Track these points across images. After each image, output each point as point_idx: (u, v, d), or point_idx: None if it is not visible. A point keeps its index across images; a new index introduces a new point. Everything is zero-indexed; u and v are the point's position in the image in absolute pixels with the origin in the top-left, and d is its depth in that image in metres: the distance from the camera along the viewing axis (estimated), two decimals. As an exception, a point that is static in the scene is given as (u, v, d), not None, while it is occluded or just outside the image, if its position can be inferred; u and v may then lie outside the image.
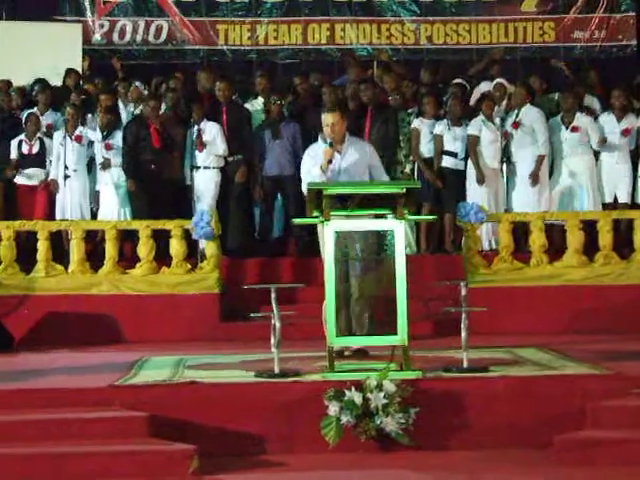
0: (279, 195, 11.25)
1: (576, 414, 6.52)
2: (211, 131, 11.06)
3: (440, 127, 11.05)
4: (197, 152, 11.04)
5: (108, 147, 11.04)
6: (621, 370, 6.97)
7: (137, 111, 11.72)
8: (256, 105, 11.79)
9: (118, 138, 11.06)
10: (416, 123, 11.22)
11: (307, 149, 8.18)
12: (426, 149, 11.16)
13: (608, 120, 11.07)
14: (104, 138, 11.12)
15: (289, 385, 6.75)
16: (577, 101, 11.13)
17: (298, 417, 6.61)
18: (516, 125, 10.97)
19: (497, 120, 11.07)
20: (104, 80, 12.50)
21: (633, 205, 11.02)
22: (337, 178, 7.65)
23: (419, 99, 11.51)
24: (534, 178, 10.84)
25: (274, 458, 6.47)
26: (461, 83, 12.13)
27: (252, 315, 7.60)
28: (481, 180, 10.80)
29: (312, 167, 7.74)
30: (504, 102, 11.50)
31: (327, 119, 7.88)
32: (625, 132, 10.99)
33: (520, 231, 10.49)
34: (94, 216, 11.15)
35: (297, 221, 7.87)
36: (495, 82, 11.83)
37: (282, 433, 6.62)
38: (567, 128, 10.96)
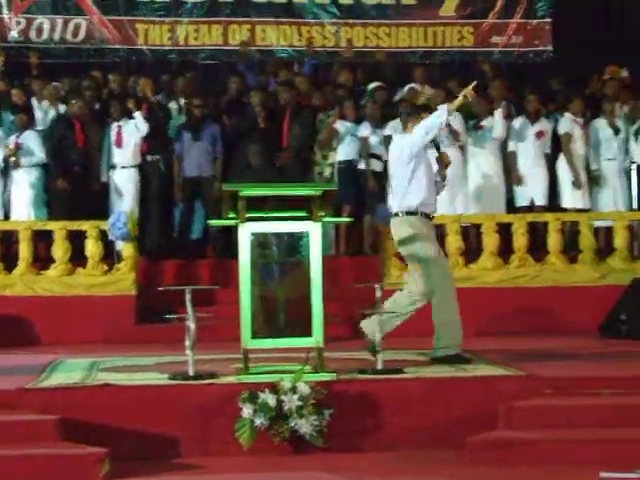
0: (198, 196, 11.19)
1: (489, 415, 6.57)
2: (130, 130, 10.98)
3: (366, 130, 11.08)
4: (115, 151, 10.96)
5: (17, 147, 10.85)
6: (534, 371, 7.05)
7: (60, 110, 11.57)
8: (177, 105, 11.73)
9: (30, 137, 10.89)
10: (337, 125, 11.24)
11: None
12: (346, 151, 11.17)
13: (522, 123, 11.20)
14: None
15: (204, 387, 6.71)
16: (490, 105, 11.27)
17: (213, 420, 6.58)
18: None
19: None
20: (18, 77, 12.32)
21: (550, 208, 11.16)
22: None
23: (339, 101, 11.54)
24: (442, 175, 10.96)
25: (188, 461, 6.43)
26: (382, 86, 12.18)
27: (167, 317, 7.53)
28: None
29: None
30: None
31: None
32: (539, 134, 11.14)
33: (437, 233, 10.55)
34: (6, 217, 10.98)
35: (213, 223, 7.85)
36: (408, 87, 11.93)
37: (197, 436, 6.58)
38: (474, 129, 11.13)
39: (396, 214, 7.69)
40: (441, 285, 7.62)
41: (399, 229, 7.69)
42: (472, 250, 10.44)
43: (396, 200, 7.71)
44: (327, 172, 11.25)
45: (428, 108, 7.99)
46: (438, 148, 7.89)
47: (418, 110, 7.85)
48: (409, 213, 7.61)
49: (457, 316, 7.62)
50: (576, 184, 11.08)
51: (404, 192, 7.59)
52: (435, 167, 7.85)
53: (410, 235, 7.60)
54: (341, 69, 12.59)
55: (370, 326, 7.46)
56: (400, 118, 8.31)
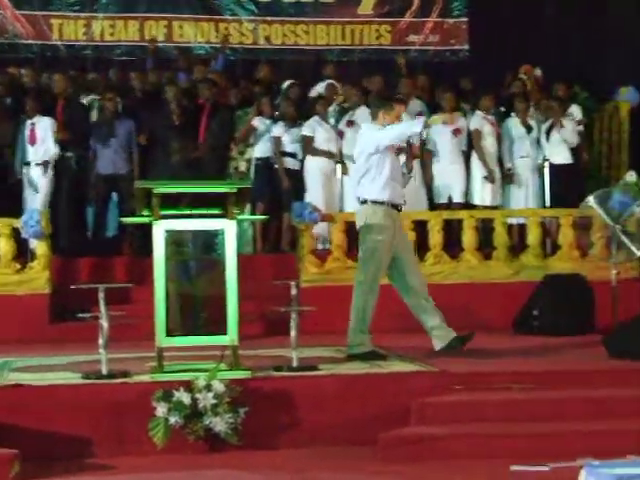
0: (114, 193, 11.09)
1: (402, 411, 6.64)
2: (45, 126, 10.83)
3: (279, 129, 11.09)
4: (29, 148, 10.81)
5: None
6: (446, 367, 7.14)
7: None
8: (91, 101, 11.61)
9: None
10: (255, 122, 11.24)
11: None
12: (263, 148, 11.17)
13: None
14: None
15: (117, 386, 6.66)
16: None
17: (126, 419, 6.53)
18: (350, 124, 11.12)
19: (331, 120, 11.20)
20: None
21: (466, 205, 11.28)
22: None
23: (257, 98, 11.53)
24: None
25: (102, 461, 6.38)
26: (296, 83, 12.20)
27: (80, 315, 7.45)
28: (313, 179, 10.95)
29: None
30: (335, 102, 11.69)
31: (402, 111, 7.96)
32: (456, 132, 11.26)
33: (354, 231, 10.59)
34: None
35: (126, 220, 7.78)
36: (326, 83, 11.98)
37: (110, 435, 6.53)
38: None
39: (364, 202, 7.75)
40: (369, 282, 7.66)
41: (361, 216, 7.80)
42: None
43: (362, 189, 7.75)
44: (243, 167, 11.25)
45: (400, 99, 8.07)
46: (408, 141, 8.00)
47: (390, 101, 7.88)
48: (376, 202, 7.69)
49: (369, 316, 7.71)
50: (489, 179, 11.23)
51: (369, 182, 7.66)
52: (403, 158, 7.91)
53: (367, 224, 7.71)
54: (260, 66, 12.60)
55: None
56: (370, 108, 8.32)
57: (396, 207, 7.76)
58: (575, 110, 12.02)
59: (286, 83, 12.09)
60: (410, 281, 7.85)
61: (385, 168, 7.63)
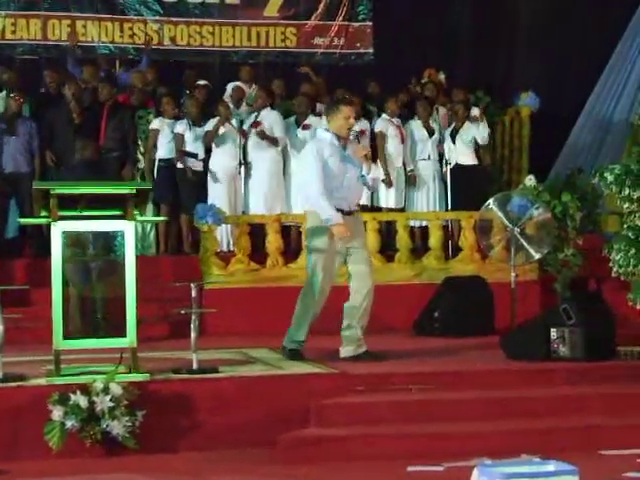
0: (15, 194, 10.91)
1: (302, 413, 6.66)
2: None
3: (181, 127, 11.04)
4: None
5: None
6: (346, 369, 7.18)
7: None
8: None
9: None
10: (156, 123, 11.18)
11: (312, 146, 7.77)
12: (166, 149, 11.10)
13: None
14: None
15: (12, 390, 6.55)
16: (310, 104, 11.42)
17: (22, 423, 6.43)
18: (255, 125, 11.13)
19: (234, 121, 11.19)
20: None
21: (372, 208, 11.33)
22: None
23: (158, 99, 11.47)
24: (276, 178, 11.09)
25: (-5, 466, 6.28)
26: (205, 84, 12.15)
27: (-25, 318, 7.30)
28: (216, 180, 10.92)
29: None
30: (243, 103, 11.69)
31: (349, 112, 7.69)
32: (361, 133, 11.33)
33: (260, 233, 10.60)
34: None
35: (23, 221, 7.72)
36: (233, 85, 11.98)
37: (5, 440, 6.42)
38: (299, 127, 11.24)
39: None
40: (315, 282, 7.65)
41: (308, 220, 7.78)
42: (294, 250, 10.52)
43: (307, 193, 7.74)
44: (142, 166, 11.21)
45: (347, 101, 8.02)
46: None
47: (337, 104, 7.81)
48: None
49: (308, 317, 7.70)
50: (386, 182, 11.32)
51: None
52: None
53: (311, 227, 7.68)
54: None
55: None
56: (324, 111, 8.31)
57: (343, 211, 7.64)
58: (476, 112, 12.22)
59: (197, 83, 12.04)
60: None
61: (328, 177, 7.55)
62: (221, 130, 10.98)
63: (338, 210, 7.55)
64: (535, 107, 13.33)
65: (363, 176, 7.79)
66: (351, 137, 7.91)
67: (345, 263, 7.78)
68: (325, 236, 7.58)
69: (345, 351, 7.72)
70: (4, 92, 11.46)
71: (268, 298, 9.58)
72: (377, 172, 11.37)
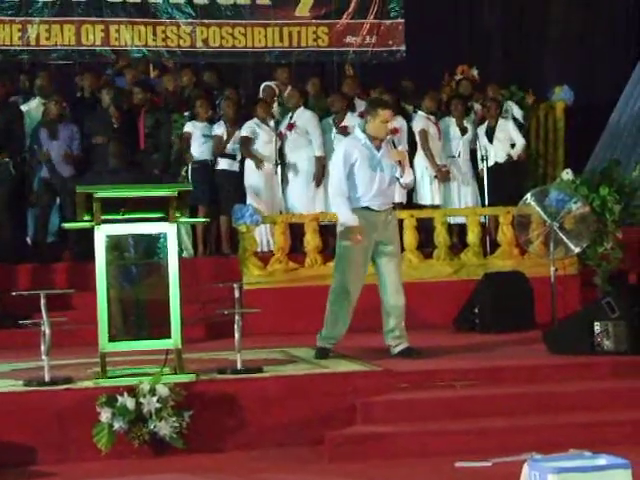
0: (57, 198, 10.99)
1: (347, 410, 6.69)
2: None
3: (220, 129, 11.07)
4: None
5: None
6: (390, 366, 7.19)
7: None
8: (32, 106, 11.51)
9: None
10: (189, 126, 11.20)
11: (342, 146, 7.83)
12: (198, 152, 11.13)
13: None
14: None
15: (60, 393, 6.62)
16: (346, 102, 11.41)
17: (70, 425, 6.50)
18: (290, 127, 11.15)
19: (272, 122, 11.22)
20: None
21: (409, 205, 11.32)
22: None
23: (192, 101, 11.51)
24: (317, 179, 11.08)
25: (46, 468, 6.33)
26: (237, 86, 12.19)
27: (21, 322, 7.39)
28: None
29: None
30: (275, 104, 11.71)
31: (388, 116, 7.71)
32: (394, 131, 11.32)
33: (298, 232, 10.62)
34: None
35: (67, 226, 7.74)
36: (264, 85, 12.00)
37: (54, 442, 6.49)
38: (337, 129, 11.24)
39: None
40: (344, 282, 7.71)
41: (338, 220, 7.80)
42: (332, 249, 10.50)
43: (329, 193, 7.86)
44: (183, 171, 11.23)
45: (385, 104, 7.94)
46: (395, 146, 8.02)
47: (376, 107, 7.78)
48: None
49: (346, 314, 7.74)
50: (440, 178, 11.35)
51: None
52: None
53: (341, 230, 7.69)
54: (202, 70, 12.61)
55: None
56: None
57: (372, 210, 7.64)
58: (513, 108, 12.18)
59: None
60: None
61: (358, 176, 7.56)
62: (256, 132, 11.01)
63: (366, 209, 7.57)
64: (570, 101, 13.29)
65: (397, 178, 7.78)
66: (387, 138, 7.90)
67: (373, 260, 7.77)
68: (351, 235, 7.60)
69: (396, 349, 7.74)
70: (37, 98, 11.55)
71: (307, 297, 9.58)
72: (421, 171, 11.44)
